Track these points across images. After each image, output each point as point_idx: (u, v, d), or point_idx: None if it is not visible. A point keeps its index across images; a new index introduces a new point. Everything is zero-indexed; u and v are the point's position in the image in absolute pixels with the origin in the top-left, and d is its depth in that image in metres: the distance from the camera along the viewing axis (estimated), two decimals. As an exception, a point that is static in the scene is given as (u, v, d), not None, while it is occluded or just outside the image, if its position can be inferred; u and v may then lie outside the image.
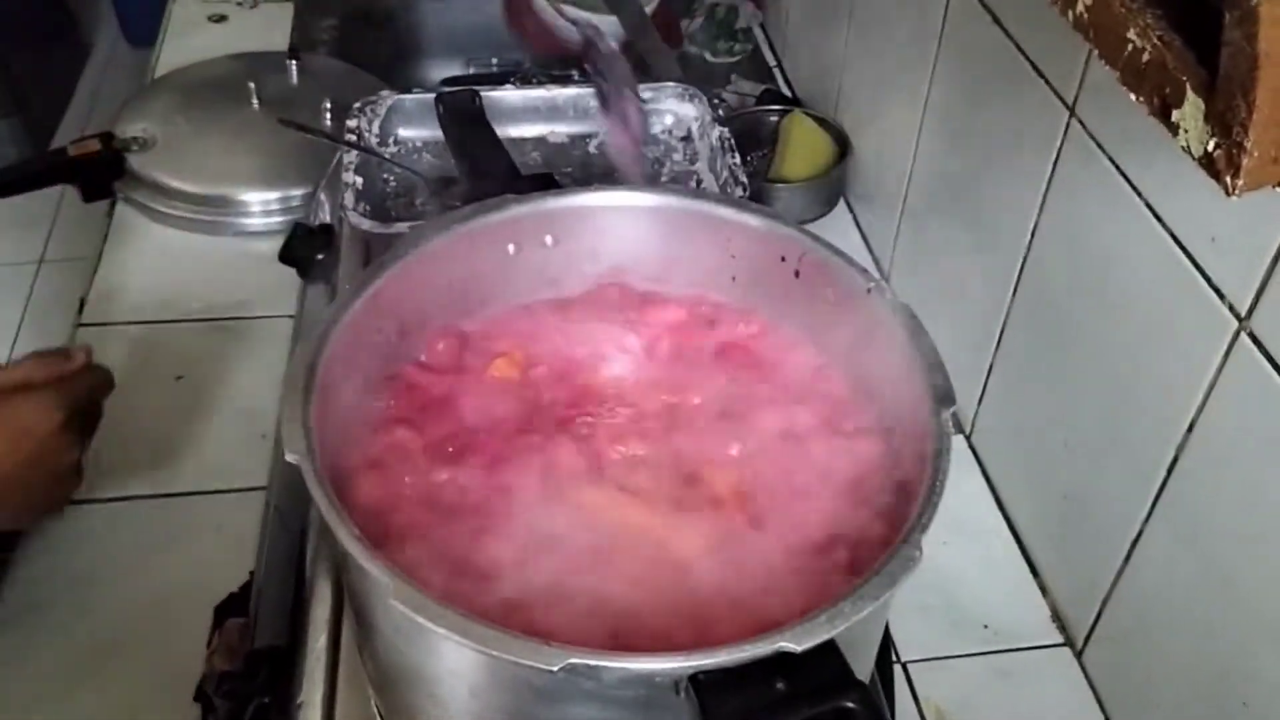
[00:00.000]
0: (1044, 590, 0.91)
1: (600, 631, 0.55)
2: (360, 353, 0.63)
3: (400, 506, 0.60)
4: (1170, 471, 0.73)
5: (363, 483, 0.61)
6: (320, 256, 1.03)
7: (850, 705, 0.47)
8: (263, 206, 1.22)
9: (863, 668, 0.61)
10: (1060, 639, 0.88)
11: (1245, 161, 0.36)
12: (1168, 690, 0.76)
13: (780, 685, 0.48)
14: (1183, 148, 0.40)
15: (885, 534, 0.56)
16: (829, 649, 0.48)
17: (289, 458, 0.53)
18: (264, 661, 0.73)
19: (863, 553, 0.57)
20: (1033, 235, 0.87)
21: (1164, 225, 0.70)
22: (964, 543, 0.93)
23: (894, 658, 0.85)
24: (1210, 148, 0.38)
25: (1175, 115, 0.40)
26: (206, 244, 1.20)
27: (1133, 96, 0.43)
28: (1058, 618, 0.89)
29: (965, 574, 0.91)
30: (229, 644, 0.84)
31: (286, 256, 1.04)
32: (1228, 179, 0.37)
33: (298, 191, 1.22)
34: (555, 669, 0.46)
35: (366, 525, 0.58)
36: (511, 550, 0.58)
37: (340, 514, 0.51)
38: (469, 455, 0.64)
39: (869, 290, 0.64)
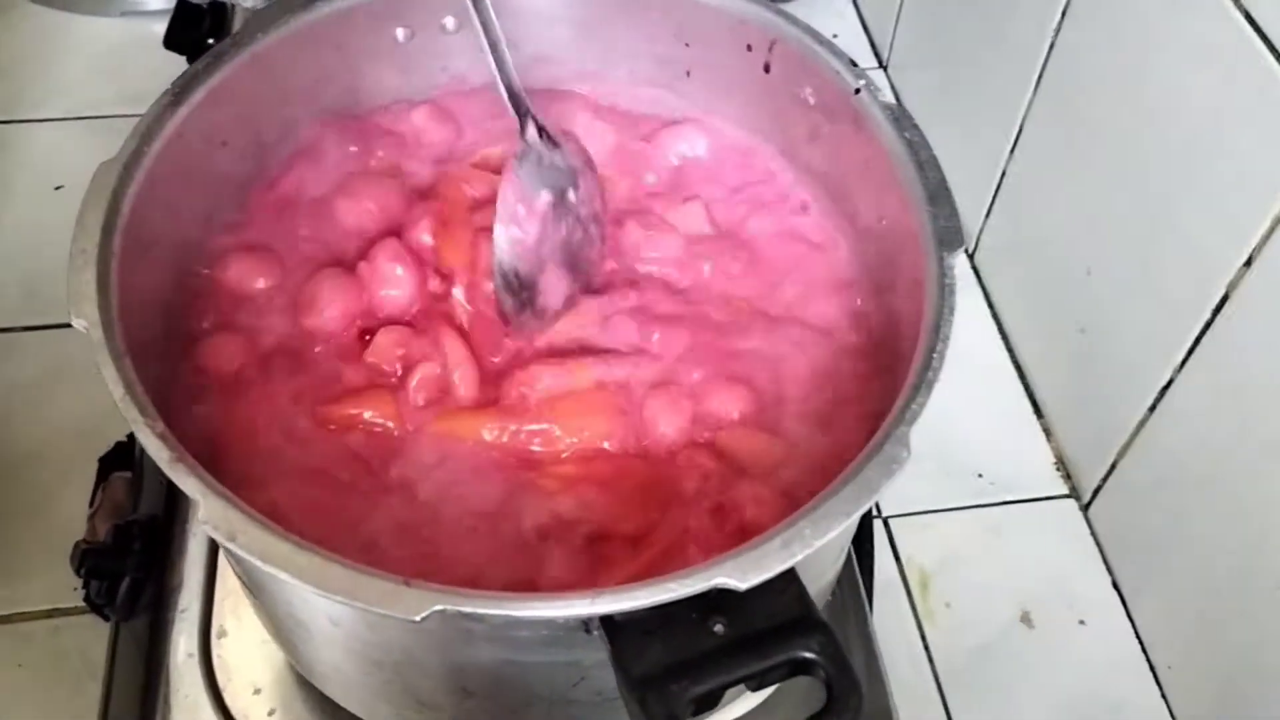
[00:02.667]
0: (1048, 434, 0.80)
1: (514, 540, 0.44)
2: (199, 168, 0.49)
3: (252, 376, 0.47)
4: (1218, 311, 0.60)
5: (203, 344, 0.48)
6: (211, 41, 0.87)
7: (809, 655, 0.36)
8: (156, -20, 1.04)
9: (822, 589, 0.50)
10: (1065, 490, 0.78)
11: None
12: (1187, 558, 0.66)
13: (718, 628, 0.36)
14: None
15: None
16: (785, 581, 0.37)
17: (75, 323, 0.40)
18: (137, 535, 0.62)
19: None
20: (1063, 15, 0.71)
21: (1238, 3, 0.55)
22: (958, 378, 0.78)
23: (873, 513, 0.74)
24: None
25: None
26: (89, 26, 1.03)
27: None
28: (1063, 466, 0.79)
29: (958, 415, 0.80)
30: (114, 501, 0.73)
31: (172, 41, 0.88)
32: None
33: (198, -39, 1.03)
34: (418, 619, 0.34)
35: (205, 406, 0.46)
36: (400, 443, 0.46)
37: (140, 402, 0.38)
38: (350, 299, 0.51)
39: (858, 91, 0.49)
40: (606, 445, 0.47)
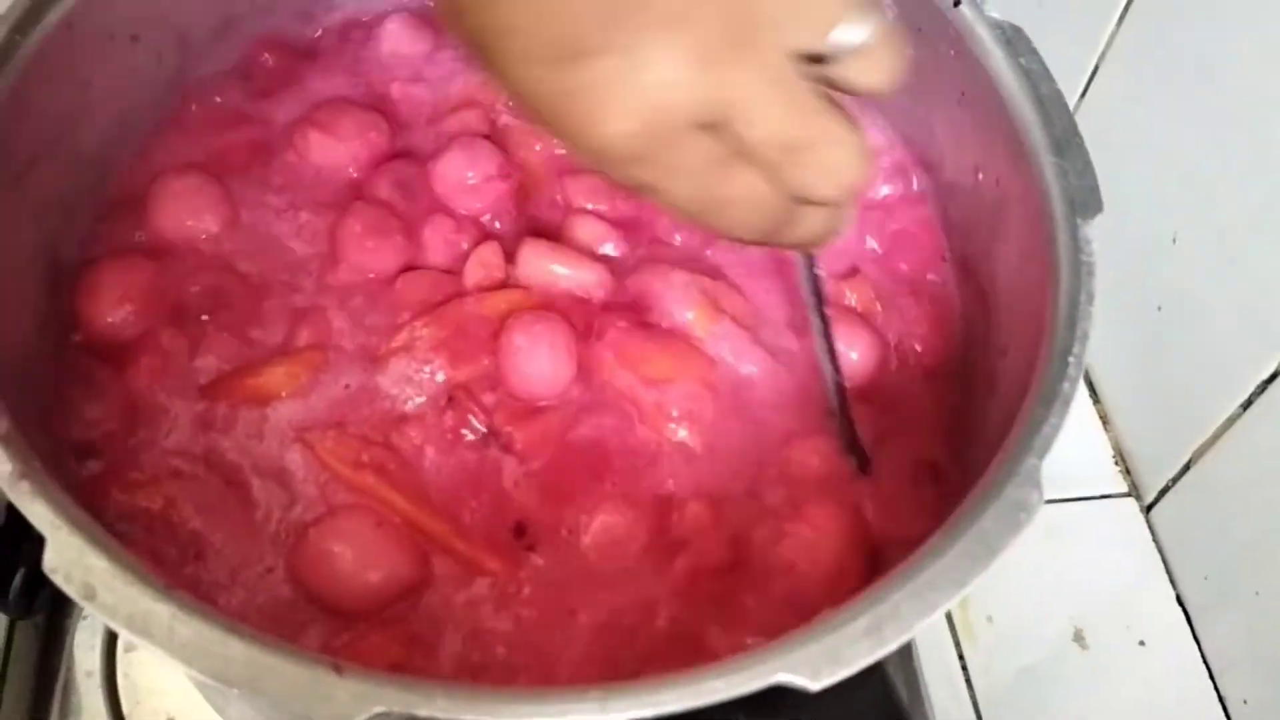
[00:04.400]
0: (1105, 422, 0.70)
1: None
2: (98, 71, 0.38)
3: (155, 337, 0.36)
4: (1348, 294, 0.50)
5: (96, 301, 0.37)
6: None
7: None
8: None
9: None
10: (1124, 488, 0.68)
11: None
12: (1269, 574, 0.57)
13: (776, 740, 0.26)
14: None
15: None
16: (867, 674, 0.26)
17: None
18: (34, 518, 0.51)
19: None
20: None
21: None
22: (1007, 355, 0.70)
23: (909, 508, 0.65)
24: None
25: None
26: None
27: None
28: (1121, 460, 0.69)
29: (1006, 397, 0.69)
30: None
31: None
32: None
33: None
34: (347, 728, 0.24)
35: (89, 380, 0.36)
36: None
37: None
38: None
39: (957, 3, 0.38)
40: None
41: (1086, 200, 0.33)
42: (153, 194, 0.39)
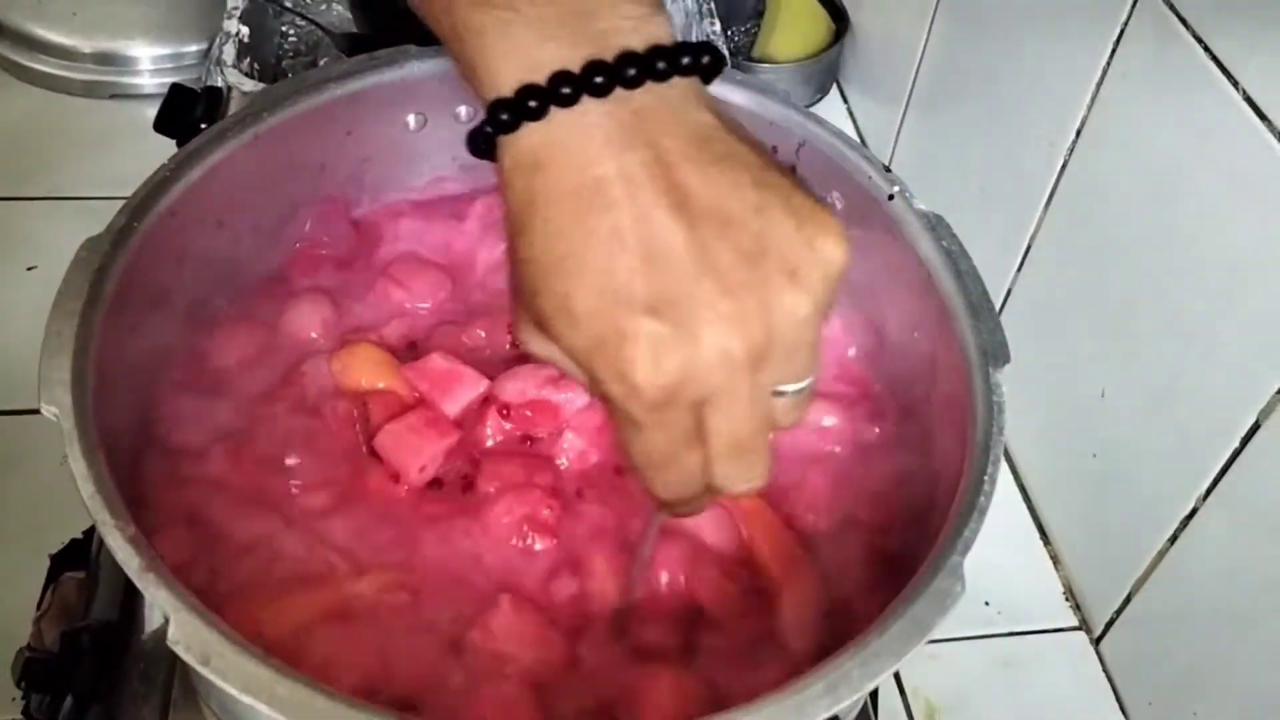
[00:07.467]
0: (1056, 561, 0.77)
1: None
2: (191, 249, 0.46)
3: (239, 478, 0.43)
4: (1248, 439, 0.58)
5: (179, 441, 0.44)
6: (204, 127, 0.84)
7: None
8: (152, 64, 1.03)
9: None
10: (1074, 621, 0.74)
11: None
12: (1214, 701, 0.63)
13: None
14: None
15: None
16: (824, 731, 0.33)
17: (45, 411, 0.37)
18: (87, 645, 0.56)
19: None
20: (1078, 135, 0.70)
21: (1271, 127, 0.54)
22: (964, 500, 0.78)
23: (879, 641, 0.70)
24: None
25: None
26: (79, 108, 1.00)
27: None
28: (1072, 596, 0.75)
29: (965, 539, 0.76)
30: (65, 604, 0.67)
31: (163, 125, 0.85)
32: None
33: (194, 48, 1.02)
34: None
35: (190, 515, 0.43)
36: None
37: (111, 502, 0.34)
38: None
39: (891, 197, 0.47)
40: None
41: (996, 352, 0.41)
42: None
